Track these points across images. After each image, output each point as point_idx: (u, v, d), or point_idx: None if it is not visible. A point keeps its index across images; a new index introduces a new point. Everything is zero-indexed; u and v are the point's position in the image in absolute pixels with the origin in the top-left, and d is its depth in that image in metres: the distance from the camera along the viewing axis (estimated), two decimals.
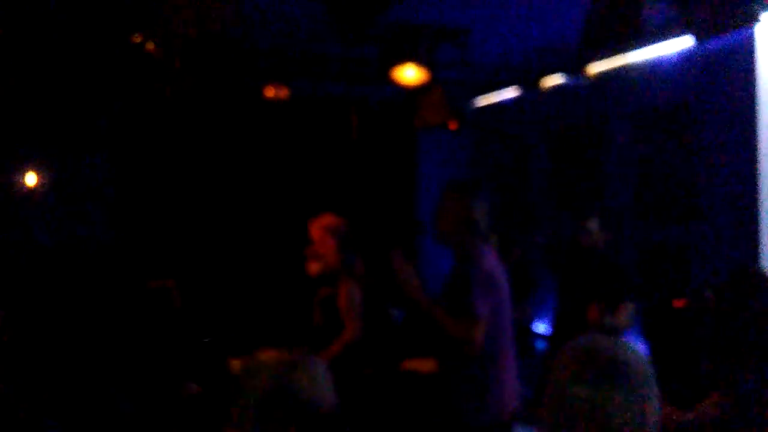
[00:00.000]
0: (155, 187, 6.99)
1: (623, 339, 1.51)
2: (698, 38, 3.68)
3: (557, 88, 6.59)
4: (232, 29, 4.82)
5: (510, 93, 7.39)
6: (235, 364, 4.36)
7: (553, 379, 1.47)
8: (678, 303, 4.42)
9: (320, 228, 4.06)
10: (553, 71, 6.36)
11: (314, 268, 4.09)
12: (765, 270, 3.13)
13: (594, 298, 4.31)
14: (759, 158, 4.52)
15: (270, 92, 6.51)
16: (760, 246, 4.45)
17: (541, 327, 6.13)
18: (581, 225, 4.53)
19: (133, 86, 6.00)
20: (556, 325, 4.70)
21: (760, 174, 4.52)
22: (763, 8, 4.17)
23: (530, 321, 5.80)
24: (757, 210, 4.51)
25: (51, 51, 5.21)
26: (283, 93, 6.51)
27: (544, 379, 4.47)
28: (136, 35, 4.83)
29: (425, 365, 4.97)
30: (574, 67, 6.03)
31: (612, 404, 1.38)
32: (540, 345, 5.80)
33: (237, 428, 1.49)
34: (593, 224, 4.50)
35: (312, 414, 1.45)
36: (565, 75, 6.24)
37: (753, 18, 3.86)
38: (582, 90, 6.20)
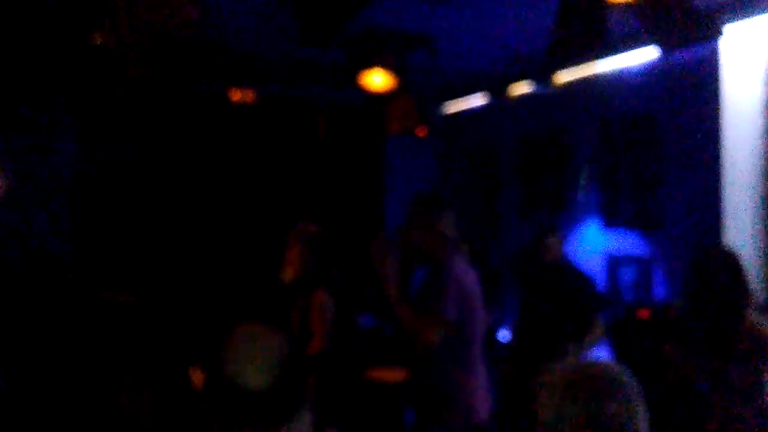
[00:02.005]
0: (118, 191, 6.87)
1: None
2: (663, 51, 3.73)
3: (525, 96, 6.64)
4: (197, 32, 4.75)
5: (478, 100, 7.43)
6: (196, 373, 4.30)
7: (546, 403, 1.54)
8: (643, 313, 4.46)
9: (292, 235, 4.04)
10: (520, 79, 6.41)
11: (288, 275, 4.06)
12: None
13: (562, 315, 4.34)
14: (722, 169, 4.59)
15: (236, 95, 6.45)
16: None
17: (504, 335, 6.16)
18: (541, 240, 4.59)
19: (94, 90, 5.88)
20: (517, 338, 4.72)
21: (723, 184, 4.59)
22: (726, 22, 4.25)
23: (497, 328, 5.82)
24: (720, 220, 4.57)
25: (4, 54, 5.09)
26: (249, 96, 6.45)
27: (505, 389, 4.48)
28: (96, 36, 4.75)
29: (392, 374, 4.96)
30: (541, 75, 6.09)
31: (606, 416, 1.48)
32: (502, 353, 5.83)
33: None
34: (553, 239, 4.56)
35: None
36: (532, 83, 6.29)
37: (716, 32, 3.93)
38: (549, 98, 6.26)
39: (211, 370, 1.54)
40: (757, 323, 3.07)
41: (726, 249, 3.51)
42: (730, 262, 3.17)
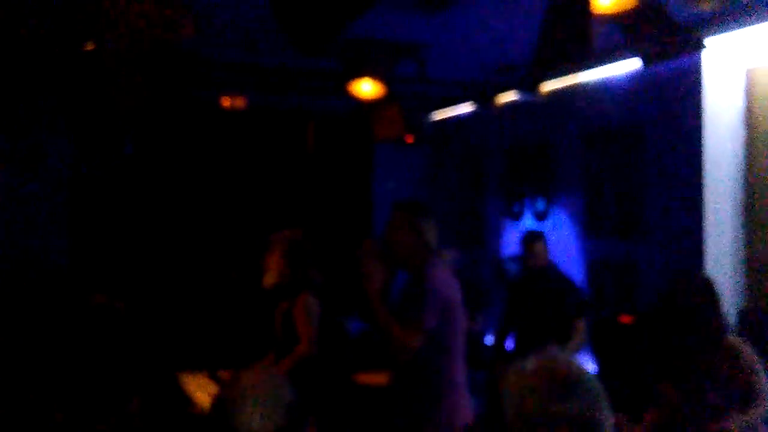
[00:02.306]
0: (111, 195, 6.89)
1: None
2: (646, 64, 3.80)
3: (511, 105, 6.72)
4: (188, 40, 4.79)
5: (465, 108, 7.51)
6: (187, 379, 4.32)
7: (510, 403, 1.54)
8: (625, 319, 4.53)
9: (274, 241, 4.07)
10: (507, 88, 6.49)
11: (269, 280, 4.08)
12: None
13: (546, 318, 4.41)
14: (704, 178, 4.65)
15: (227, 102, 6.49)
16: (704, 263, 4.59)
17: (489, 339, 6.22)
18: (528, 247, 4.65)
19: (87, 94, 5.91)
20: (500, 342, 4.77)
21: (704, 193, 4.65)
22: (707, 35, 4.35)
23: (483, 332, 5.88)
24: (702, 227, 4.64)
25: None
26: (240, 103, 6.49)
27: (495, 396, 4.51)
28: (89, 43, 4.78)
29: (378, 378, 5.00)
30: (527, 84, 6.17)
31: (568, 415, 1.46)
32: (488, 356, 5.89)
33: None
34: (539, 246, 4.62)
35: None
36: (518, 92, 6.38)
37: (698, 45, 4.01)
38: (535, 107, 6.34)
39: (215, 416, 1.57)
40: (735, 344, 3.15)
41: (701, 276, 3.58)
42: (706, 288, 3.24)
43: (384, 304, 3.13)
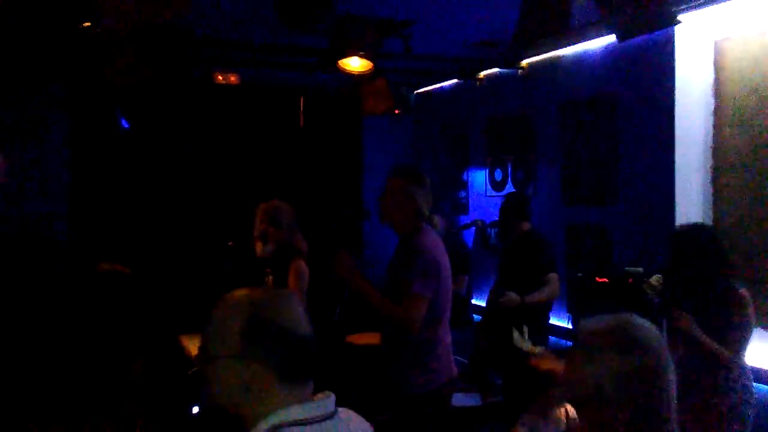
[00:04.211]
0: (108, 173, 7.00)
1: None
2: (620, 38, 3.97)
3: (493, 79, 6.90)
4: (182, 17, 4.91)
5: (450, 82, 7.68)
6: (186, 341, 4.53)
7: (583, 358, 1.58)
8: (600, 279, 4.78)
9: (263, 210, 4.22)
10: (489, 63, 6.65)
11: (260, 248, 4.22)
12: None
13: (523, 272, 4.68)
14: (675, 146, 4.81)
15: (219, 78, 6.59)
16: (675, 227, 4.78)
17: (477, 301, 6.47)
18: (510, 221, 4.89)
19: (84, 73, 6.01)
20: (490, 300, 5.02)
21: (675, 160, 4.81)
22: (680, 12, 4.52)
23: (468, 293, 6.11)
24: (673, 193, 4.81)
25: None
26: (233, 79, 6.59)
27: (477, 348, 4.82)
28: (85, 21, 4.88)
29: (368, 339, 5.22)
30: (508, 60, 6.33)
31: (642, 368, 1.53)
32: (476, 317, 6.13)
33: (213, 361, 1.44)
34: (525, 225, 4.88)
35: (295, 340, 1.45)
36: (500, 67, 6.54)
37: (672, 20, 4.18)
38: (515, 81, 6.50)
39: (266, 323, 1.44)
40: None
41: (701, 224, 3.90)
42: (705, 234, 3.55)
43: (375, 294, 3.18)
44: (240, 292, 1.51)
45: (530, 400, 2.68)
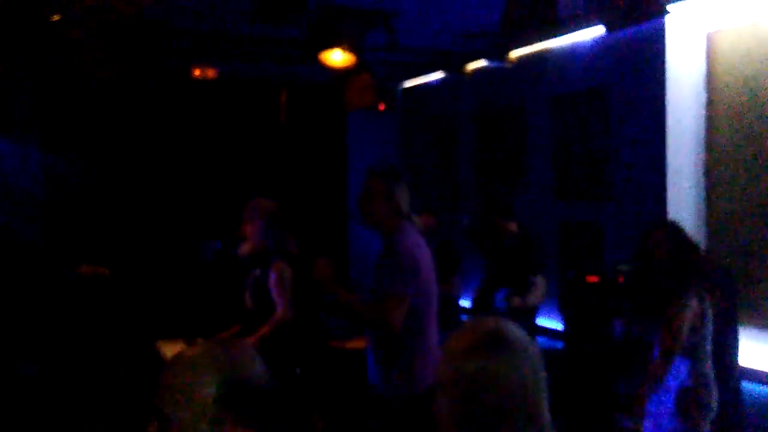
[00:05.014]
0: (84, 172, 6.85)
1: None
2: (609, 30, 3.88)
3: (481, 72, 6.78)
4: (157, 10, 4.76)
5: (437, 76, 7.55)
6: (164, 346, 4.40)
7: (446, 359, 1.54)
8: (591, 278, 4.68)
9: (248, 209, 4.12)
10: (476, 55, 6.54)
11: (245, 249, 4.14)
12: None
13: (508, 274, 4.57)
14: (667, 139, 4.76)
15: (197, 72, 6.45)
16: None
17: (465, 302, 6.35)
18: (497, 221, 4.79)
19: (57, 71, 5.86)
20: (476, 299, 4.92)
21: (667, 154, 4.75)
22: (670, 2, 4.43)
23: (459, 295, 6.01)
24: (665, 187, 4.76)
25: None
26: (211, 73, 6.46)
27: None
28: (55, 15, 4.74)
29: (353, 342, 5.11)
30: (496, 52, 6.23)
31: (501, 373, 1.46)
32: (465, 318, 6.02)
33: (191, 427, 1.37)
34: (512, 225, 4.78)
35: (266, 394, 1.42)
36: (488, 59, 6.43)
37: (661, 11, 4.10)
38: (504, 74, 6.40)
39: (238, 384, 1.40)
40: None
41: (668, 221, 3.84)
42: (672, 230, 3.50)
43: (352, 299, 3.18)
44: (197, 351, 1.43)
45: None
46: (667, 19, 4.57)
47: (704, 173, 4.75)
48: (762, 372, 4.20)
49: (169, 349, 4.29)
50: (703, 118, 4.74)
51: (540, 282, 4.52)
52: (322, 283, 3.14)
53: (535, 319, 4.76)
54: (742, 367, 4.08)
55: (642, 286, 3.65)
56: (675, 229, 3.56)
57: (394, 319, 3.08)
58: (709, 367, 3.44)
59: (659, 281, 3.45)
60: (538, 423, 1.50)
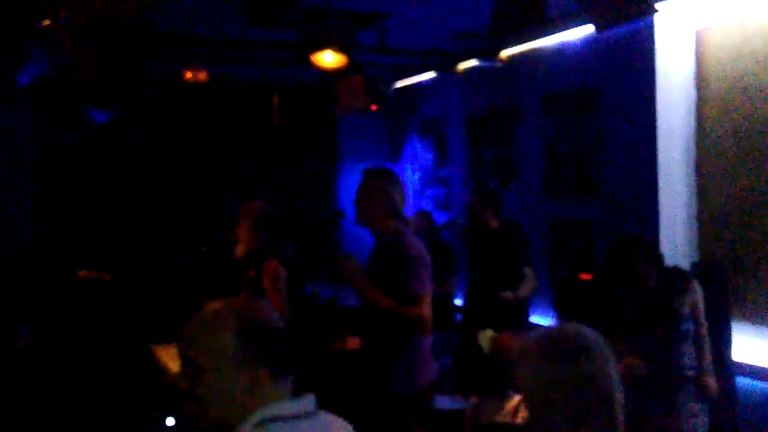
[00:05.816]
0: (75, 177, 6.83)
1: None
2: (598, 29, 3.89)
3: (472, 72, 6.80)
4: (149, 13, 4.76)
5: (428, 76, 7.57)
6: (160, 350, 4.40)
7: (523, 369, 1.61)
8: (584, 276, 4.70)
9: (241, 211, 4.12)
10: (467, 55, 6.55)
11: (240, 250, 4.14)
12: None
13: (496, 269, 4.60)
14: (657, 137, 4.76)
15: (188, 75, 6.44)
16: (659, 220, 4.74)
17: (458, 301, 6.37)
18: (482, 217, 4.82)
19: (48, 75, 5.84)
20: (468, 298, 4.94)
21: (658, 152, 4.76)
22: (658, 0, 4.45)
23: (454, 295, 6.03)
24: (656, 186, 4.76)
25: None
26: (202, 76, 6.45)
27: (462, 350, 4.75)
28: (45, 20, 4.72)
29: (351, 343, 5.12)
30: (486, 51, 6.24)
31: (582, 376, 1.54)
32: (458, 317, 6.04)
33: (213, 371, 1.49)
34: (494, 222, 4.81)
35: (281, 336, 1.53)
36: (478, 59, 6.45)
37: (649, 9, 4.11)
38: (495, 74, 6.41)
39: (257, 327, 1.52)
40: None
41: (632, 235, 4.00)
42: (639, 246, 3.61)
43: (383, 297, 3.16)
44: (215, 306, 1.56)
45: (483, 382, 2.86)
46: (656, 18, 4.59)
47: (695, 170, 4.76)
48: (755, 367, 4.22)
49: (164, 353, 4.28)
50: (693, 116, 4.74)
51: (529, 273, 4.56)
52: (350, 280, 3.17)
53: (528, 316, 4.77)
54: (735, 362, 4.11)
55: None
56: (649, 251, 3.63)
57: (425, 317, 3.15)
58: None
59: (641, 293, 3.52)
60: (615, 421, 1.57)
